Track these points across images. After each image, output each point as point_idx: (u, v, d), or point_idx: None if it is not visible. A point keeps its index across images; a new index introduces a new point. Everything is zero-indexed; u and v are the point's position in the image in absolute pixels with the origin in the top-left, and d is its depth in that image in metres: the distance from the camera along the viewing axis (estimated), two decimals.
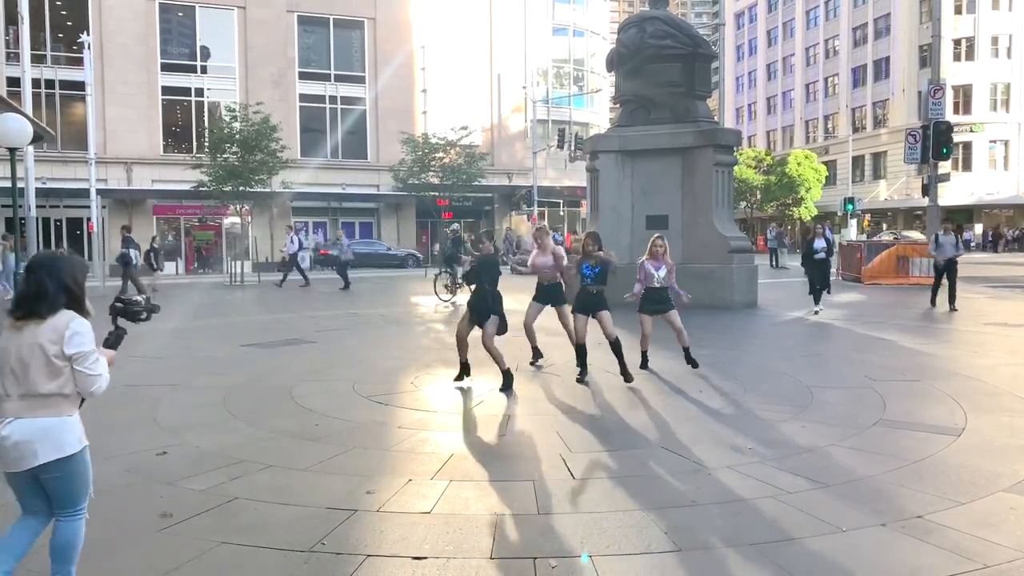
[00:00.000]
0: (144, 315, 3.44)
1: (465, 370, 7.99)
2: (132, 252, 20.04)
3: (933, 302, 14.88)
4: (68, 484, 3.08)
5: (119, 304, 3.39)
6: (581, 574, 3.61)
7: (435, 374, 8.56)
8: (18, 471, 3.03)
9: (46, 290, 3.03)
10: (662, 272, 8.51)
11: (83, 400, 3.13)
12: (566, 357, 8.61)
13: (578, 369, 8.10)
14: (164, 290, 21.37)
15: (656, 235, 8.89)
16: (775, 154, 62.02)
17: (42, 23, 34.94)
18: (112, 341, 3.30)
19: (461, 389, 7.79)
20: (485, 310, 7.65)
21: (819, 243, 14.24)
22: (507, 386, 7.60)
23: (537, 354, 9.11)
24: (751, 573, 3.59)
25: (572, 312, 8.07)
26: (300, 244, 25.28)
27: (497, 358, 7.67)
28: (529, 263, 9.16)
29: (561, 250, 9.15)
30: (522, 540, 3.98)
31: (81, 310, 3.11)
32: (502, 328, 7.73)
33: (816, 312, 13.69)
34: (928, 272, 21.17)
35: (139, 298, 3.45)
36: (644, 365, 8.51)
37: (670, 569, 3.64)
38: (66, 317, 3.03)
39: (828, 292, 14.37)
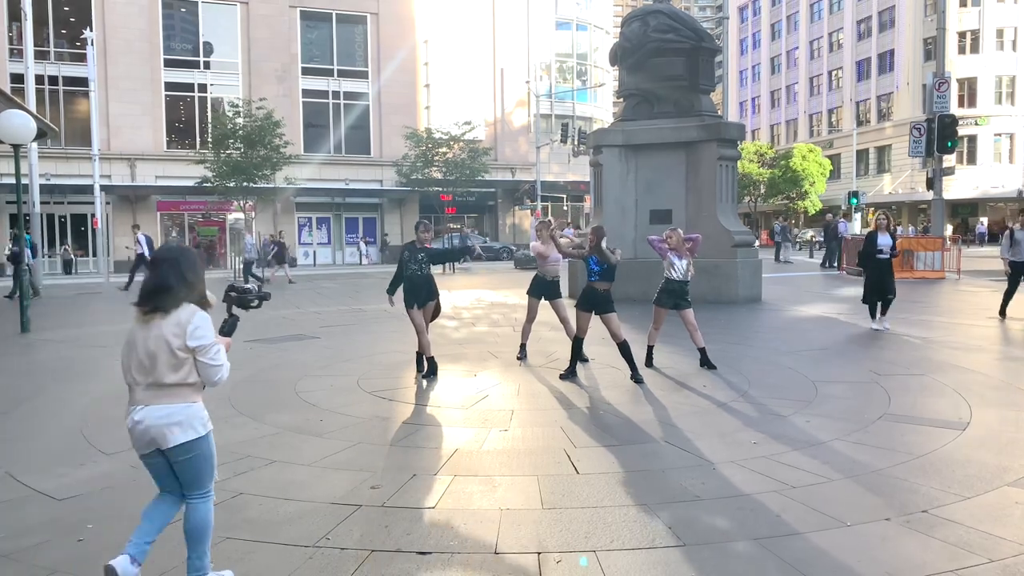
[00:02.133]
0: (256, 302, 3.67)
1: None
2: (26, 250, 18.65)
3: (1003, 313, 12.34)
4: (195, 466, 3.27)
5: (233, 293, 3.62)
6: (585, 570, 3.62)
7: (440, 369, 8.56)
8: (150, 453, 3.25)
9: (170, 285, 3.19)
10: (683, 263, 8.36)
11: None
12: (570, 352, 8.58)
13: (568, 364, 8.05)
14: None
15: (671, 228, 8.74)
16: (779, 148, 61.88)
17: (45, 19, 34.96)
18: (227, 329, 3.54)
19: (467, 383, 7.80)
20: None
21: (883, 239, 11.32)
22: (420, 367, 8.31)
23: (523, 351, 9.18)
24: (755, 568, 3.59)
25: (576, 308, 8.01)
26: (148, 244, 22.60)
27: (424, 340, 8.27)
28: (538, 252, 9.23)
29: (561, 242, 9.18)
30: (526, 535, 3.98)
31: (202, 302, 3.28)
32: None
33: (884, 328, 10.94)
34: (934, 266, 21.13)
35: (251, 286, 3.69)
36: (649, 363, 8.40)
37: (674, 564, 3.64)
38: (188, 311, 3.20)
39: (892, 298, 11.26)
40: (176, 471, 3.28)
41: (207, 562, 3.36)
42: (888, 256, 11.27)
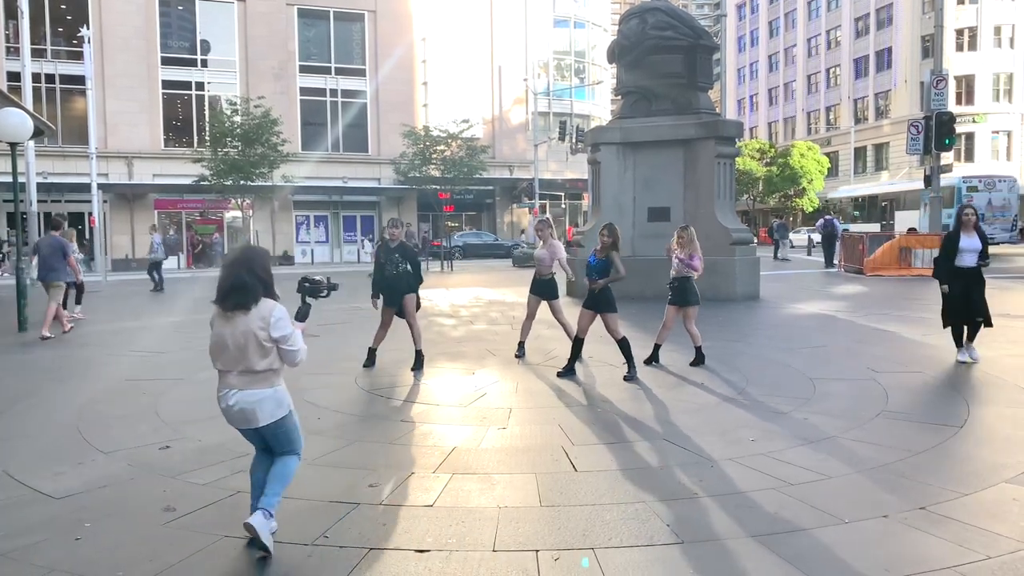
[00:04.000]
0: (324, 292, 4.08)
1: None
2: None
3: None
4: (285, 436, 3.84)
5: (307, 284, 4.05)
6: (583, 568, 3.61)
7: (437, 367, 8.56)
8: (245, 429, 3.80)
9: (247, 284, 3.59)
10: (675, 261, 8.43)
11: None
12: (568, 350, 8.59)
13: (567, 362, 8.05)
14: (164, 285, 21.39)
15: (682, 226, 8.79)
16: (777, 146, 61.91)
17: (42, 17, 34.89)
18: (301, 315, 3.91)
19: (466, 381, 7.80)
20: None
21: (968, 241, 8.30)
22: (418, 365, 8.38)
23: (522, 349, 9.17)
24: (753, 565, 3.59)
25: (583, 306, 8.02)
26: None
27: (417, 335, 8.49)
28: (535, 255, 9.31)
29: (559, 244, 9.15)
30: (524, 533, 3.98)
31: (272, 294, 3.69)
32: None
33: (973, 358, 8.29)
34: (930, 263, 21.07)
35: (321, 278, 4.11)
36: (652, 360, 8.37)
37: (673, 561, 3.64)
38: (268, 306, 3.63)
39: (984, 323, 8.36)
40: (269, 442, 3.83)
41: (276, 502, 3.78)
42: (976, 265, 8.31)
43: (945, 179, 36.20)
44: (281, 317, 3.63)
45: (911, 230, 29.03)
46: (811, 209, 55.38)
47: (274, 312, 3.62)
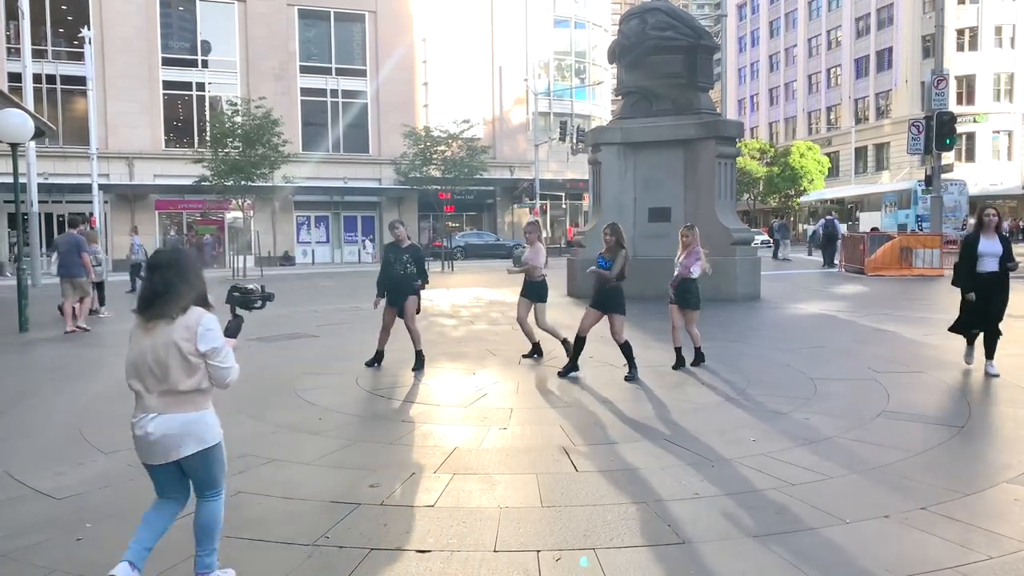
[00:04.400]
0: (259, 303, 3.61)
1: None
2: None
3: None
4: (209, 470, 3.29)
5: (237, 293, 3.57)
6: (584, 568, 3.61)
7: (438, 368, 8.56)
8: (162, 463, 3.21)
9: (176, 291, 3.11)
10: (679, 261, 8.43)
11: None
12: (564, 351, 8.56)
13: (568, 362, 8.01)
14: None
15: (686, 225, 8.77)
16: (778, 146, 61.90)
17: (43, 18, 34.88)
18: (232, 330, 3.42)
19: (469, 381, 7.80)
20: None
21: (988, 245, 7.67)
22: (419, 366, 8.37)
23: (536, 350, 9.02)
24: (754, 565, 3.59)
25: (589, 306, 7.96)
26: None
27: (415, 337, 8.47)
28: (522, 259, 9.26)
29: (541, 250, 9.06)
30: (526, 533, 3.98)
31: (205, 304, 3.22)
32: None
33: (992, 372, 7.65)
34: (932, 264, 21.10)
35: (254, 287, 3.63)
36: (679, 365, 8.22)
37: (673, 561, 3.63)
38: (196, 315, 3.14)
39: (994, 328, 7.79)
40: (190, 476, 3.30)
41: (215, 560, 3.34)
42: (997, 271, 7.66)
43: (904, 183, 38.90)
44: (211, 328, 3.14)
45: (874, 229, 29.70)
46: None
47: (202, 321, 3.13)
